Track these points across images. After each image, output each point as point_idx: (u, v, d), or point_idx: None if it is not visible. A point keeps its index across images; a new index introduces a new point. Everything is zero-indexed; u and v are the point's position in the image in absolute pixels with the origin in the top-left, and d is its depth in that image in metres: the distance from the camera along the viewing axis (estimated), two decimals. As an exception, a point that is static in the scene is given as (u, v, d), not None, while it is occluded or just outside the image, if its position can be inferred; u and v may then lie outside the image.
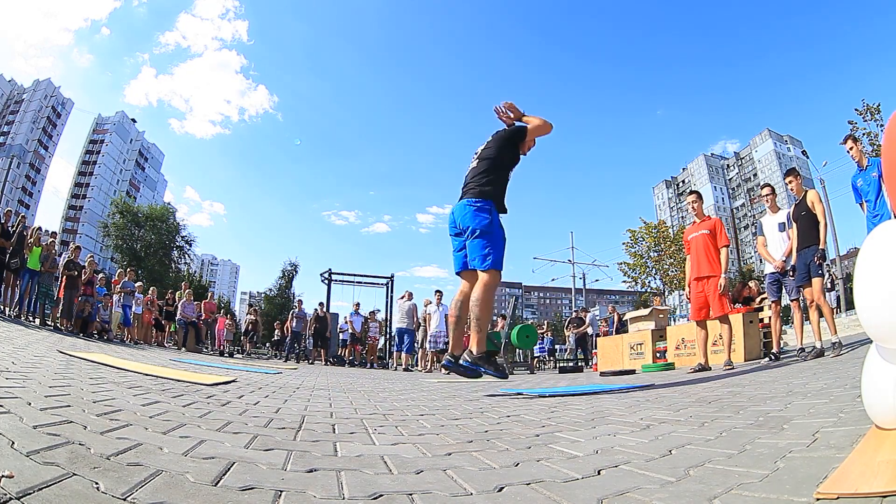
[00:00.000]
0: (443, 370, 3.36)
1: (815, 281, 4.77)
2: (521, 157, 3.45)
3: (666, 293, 28.78)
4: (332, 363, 12.83)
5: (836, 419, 1.45)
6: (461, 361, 3.06)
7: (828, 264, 4.85)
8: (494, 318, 13.31)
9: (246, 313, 16.59)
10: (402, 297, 11.93)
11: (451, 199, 3.45)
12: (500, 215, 3.26)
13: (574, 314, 16.07)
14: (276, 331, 16.76)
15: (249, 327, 15.36)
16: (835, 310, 6.67)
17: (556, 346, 17.95)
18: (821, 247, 4.74)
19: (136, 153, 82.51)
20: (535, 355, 14.98)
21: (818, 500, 0.79)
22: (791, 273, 4.99)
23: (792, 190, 5.07)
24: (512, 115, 3.44)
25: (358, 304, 13.90)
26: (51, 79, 71.27)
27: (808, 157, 23.68)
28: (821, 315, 4.85)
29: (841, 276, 23.97)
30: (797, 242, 4.93)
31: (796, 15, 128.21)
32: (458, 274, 3.33)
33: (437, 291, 11.07)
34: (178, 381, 2.78)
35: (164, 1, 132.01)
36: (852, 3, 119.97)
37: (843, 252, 28.26)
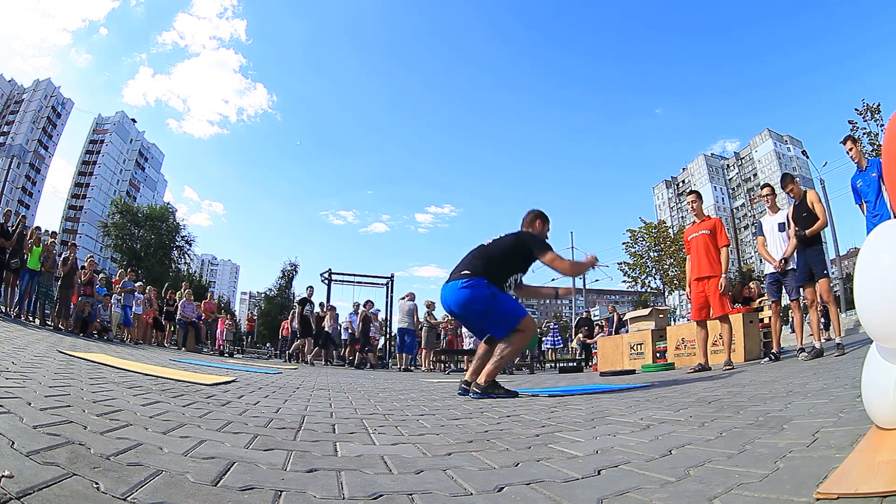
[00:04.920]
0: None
1: (822, 281, 4.78)
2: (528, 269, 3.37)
3: (666, 293, 28.74)
4: (332, 363, 12.82)
5: (836, 419, 1.45)
6: (471, 393, 3.03)
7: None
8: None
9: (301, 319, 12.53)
10: (404, 298, 11.90)
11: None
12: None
13: (585, 314, 16.00)
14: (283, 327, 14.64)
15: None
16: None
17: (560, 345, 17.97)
18: (808, 233, 4.78)
19: (136, 153, 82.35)
20: (548, 347, 14.99)
21: (818, 500, 0.79)
22: (796, 270, 4.97)
23: (792, 195, 5.10)
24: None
25: (357, 304, 13.89)
26: (51, 79, 71.24)
27: (808, 157, 23.63)
28: (824, 315, 4.83)
29: (841, 276, 23.98)
30: (797, 242, 4.93)
31: (796, 14, 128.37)
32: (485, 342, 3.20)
33: None
34: (178, 381, 2.78)
35: (162, 0, 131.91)
36: (852, 2, 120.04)
37: (843, 252, 28.25)
